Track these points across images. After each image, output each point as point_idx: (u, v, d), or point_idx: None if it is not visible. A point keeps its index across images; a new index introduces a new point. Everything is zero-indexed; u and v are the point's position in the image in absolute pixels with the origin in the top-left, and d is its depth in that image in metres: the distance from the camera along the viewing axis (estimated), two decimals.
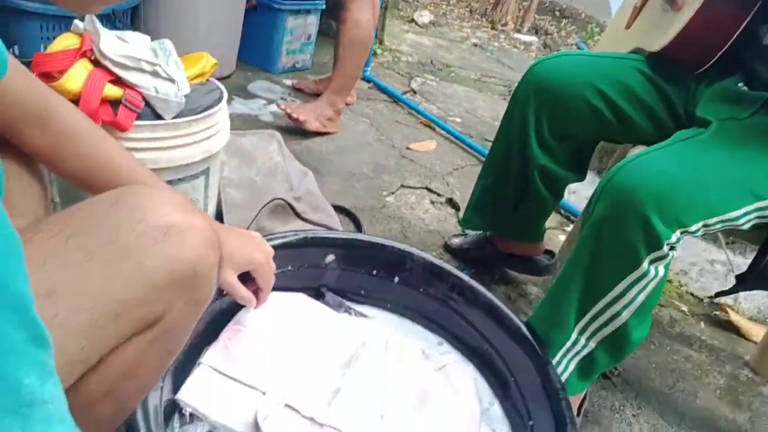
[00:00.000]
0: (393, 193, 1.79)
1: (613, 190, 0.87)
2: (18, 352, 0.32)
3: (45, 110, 0.62)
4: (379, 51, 3.13)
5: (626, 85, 1.10)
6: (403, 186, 1.84)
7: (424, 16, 4.15)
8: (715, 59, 1.02)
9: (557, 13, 5.28)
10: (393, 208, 1.70)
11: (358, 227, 1.49)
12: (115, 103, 0.90)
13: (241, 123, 1.92)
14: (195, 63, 1.09)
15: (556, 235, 1.80)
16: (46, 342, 0.34)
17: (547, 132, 1.18)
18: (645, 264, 0.86)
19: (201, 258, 0.55)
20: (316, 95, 2.19)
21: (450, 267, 1.10)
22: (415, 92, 2.74)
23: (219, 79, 1.18)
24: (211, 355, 0.86)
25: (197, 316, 0.61)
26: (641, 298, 0.89)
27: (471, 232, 1.54)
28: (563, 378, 0.99)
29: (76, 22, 0.94)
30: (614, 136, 1.16)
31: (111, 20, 1.65)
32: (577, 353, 0.99)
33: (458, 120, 2.53)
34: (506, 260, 1.46)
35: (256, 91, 2.23)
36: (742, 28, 0.97)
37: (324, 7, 2.50)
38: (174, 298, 0.55)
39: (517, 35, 4.42)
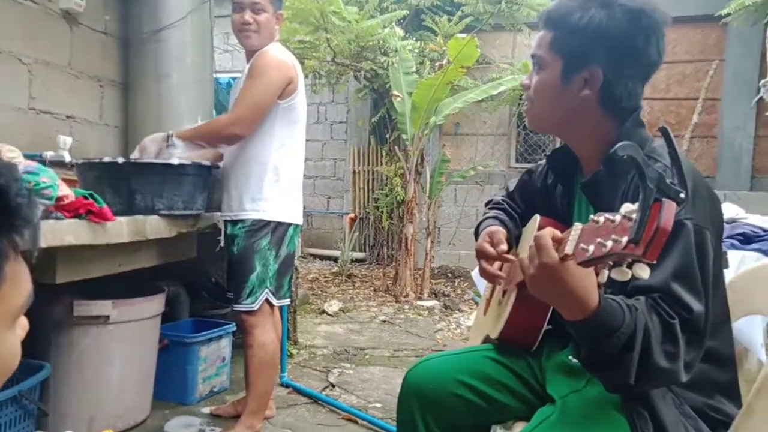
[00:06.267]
0: None
1: None
2: None
3: None
4: (294, 351, 3.32)
5: (483, 372, 1.29)
6: None
7: (333, 305, 4.51)
8: (537, 343, 1.26)
9: (449, 275, 5.94)
10: None
11: None
12: None
13: None
14: None
15: None
16: None
17: (436, 428, 1.30)
18: None
19: None
20: (236, 417, 2.25)
21: None
22: (333, 386, 2.86)
23: (132, 428, 1.24)
24: None
25: None
26: None
27: None
28: None
29: None
30: (493, 418, 1.30)
31: (17, 400, 1.71)
32: None
33: (378, 405, 2.63)
34: None
35: (173, 429, 2.25)
36: (548, 317, 1.23)
37: (235, 328, 2.70)
38: None
39: (419, 302, 4.85)
